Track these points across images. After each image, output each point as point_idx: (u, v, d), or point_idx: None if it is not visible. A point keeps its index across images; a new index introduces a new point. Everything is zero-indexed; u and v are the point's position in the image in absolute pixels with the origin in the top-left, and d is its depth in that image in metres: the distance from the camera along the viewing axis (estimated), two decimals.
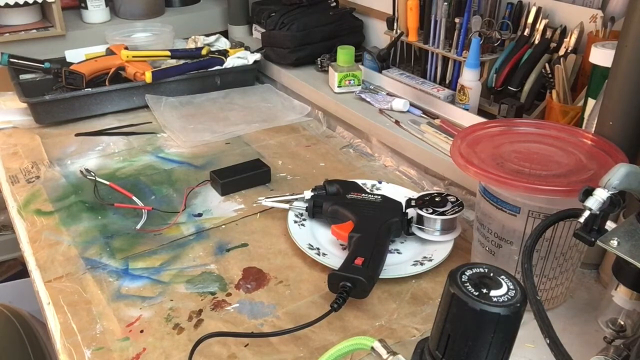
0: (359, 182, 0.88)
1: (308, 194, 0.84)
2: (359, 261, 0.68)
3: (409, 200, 0.80)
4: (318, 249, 0.77)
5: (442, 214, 0.76)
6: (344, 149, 1.09)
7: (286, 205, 0.85)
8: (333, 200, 0.81)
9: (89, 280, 0.72)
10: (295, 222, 0.82)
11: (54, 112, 1.13)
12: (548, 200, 0.59)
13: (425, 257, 0.75)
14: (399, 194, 0.86)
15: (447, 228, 0.77)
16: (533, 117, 0.96)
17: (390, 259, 0.75)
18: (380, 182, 0.91)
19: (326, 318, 0.64)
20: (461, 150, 0.65)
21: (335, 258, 0.74)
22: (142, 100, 1.20)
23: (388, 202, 0.81)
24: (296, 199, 0.85)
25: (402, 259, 0.76)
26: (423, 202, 0.78)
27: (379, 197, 0.82)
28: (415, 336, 0.64)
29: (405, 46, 1.24)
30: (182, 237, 0.81)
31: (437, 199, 0.78)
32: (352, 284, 0.66)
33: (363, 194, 0.82)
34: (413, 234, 0.78)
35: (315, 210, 0.82)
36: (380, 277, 0.70)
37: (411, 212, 0.78)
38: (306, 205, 0.82)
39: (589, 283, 0.73)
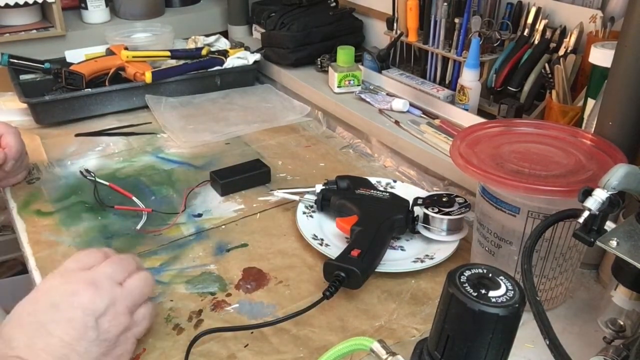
0: (374, 180, 0.88)
1: (319, 187, 0.85)
2: (355, 253, 0.69)
3: (416, 199, 0.80)
4: (322, 239, 0.77)
5: (448, 214, 0.76)
6: (343, 149, 1.09)
7: (296, 197, 0.86)
8: (341, 195, 0.82)
9: None
10: (304, 213, 0.83)
11: (54, 113, 1.13)
12: (547, 200, 0.59)
13: (427, 256, 0.75)
14: (412, 193, 0.86)
15: (452, 228, 0.77)
16: (533, 118, 0.96)
17: (393, 255, 0.76)
18: (395, 182, 0.91)
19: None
20: (461, 150, 0.65)
21: (337, 250, 0.74)
22: (142, 100, 1.20)
23: (395, 200, 0.81)
24: (307, 192, 0.86)
25: (404, 256, 0.76)
26: (431, 201, 0.78)
27: (387, 194, 0.82)
28: (415, 336, 0.64)
29: (405, 46, 1.24)
30: (182, 237, 0.81)
31: (444, 199, 0.78)
32: (346, 274, 0.66)
33: (372, 190, 0.83)
34: (419, 232, 0.79)
35: (324, 204, 0.83)
36: (379, 271, 0.71)
37: (418, 211, 0.79)
38: (315, 198, 0.83)
39: (589, 283, 0.73)
